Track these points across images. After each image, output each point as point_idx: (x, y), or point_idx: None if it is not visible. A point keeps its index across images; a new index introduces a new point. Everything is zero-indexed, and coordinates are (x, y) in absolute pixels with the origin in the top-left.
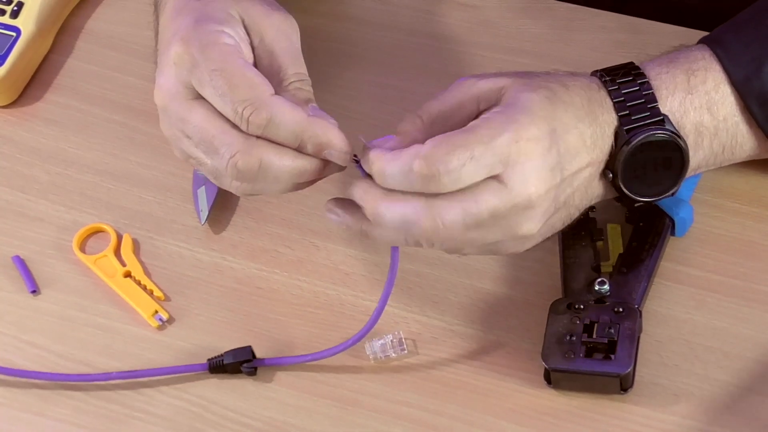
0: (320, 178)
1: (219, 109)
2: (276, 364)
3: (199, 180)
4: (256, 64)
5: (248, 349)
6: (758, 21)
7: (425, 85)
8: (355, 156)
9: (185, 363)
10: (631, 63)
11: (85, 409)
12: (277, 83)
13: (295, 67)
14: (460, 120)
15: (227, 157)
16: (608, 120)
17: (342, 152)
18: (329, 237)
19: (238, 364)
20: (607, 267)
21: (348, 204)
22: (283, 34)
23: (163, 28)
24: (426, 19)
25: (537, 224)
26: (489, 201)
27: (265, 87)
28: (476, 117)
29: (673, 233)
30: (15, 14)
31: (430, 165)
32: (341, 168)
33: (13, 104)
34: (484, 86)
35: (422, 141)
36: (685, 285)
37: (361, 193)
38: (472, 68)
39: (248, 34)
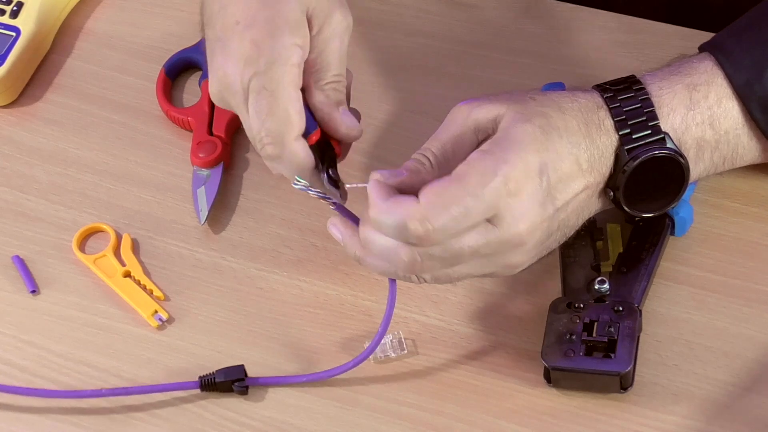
0: None
1: (248, 123)
2: (270, 384)
3: (199, 180)
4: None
5: (240, 368)
6: (758, 26)
7: (425, 85)
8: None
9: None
10: (633, 77)
11: (86, 409)
12: (317, 78)
13: (337, 68)
14: (463, 154)
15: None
16: (607, 141)
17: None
18: (329, 237)
19: (229, 382)
20: (606, 266)
21: (349, 223)
22: (337, 35)
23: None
24: (426, 19)
25: (528, 256)
26: (473, 241)
27: (295, 129)
28: (477, 146)
29: (672, 233)
30: (15, 14)
31: (425, 226)
32: None
33: (12, 104)
34: (480, 116)
35: (433, 179)
36: (685, 284)
37: (340, 234)
38: (472, 68)
39: (309, 25)
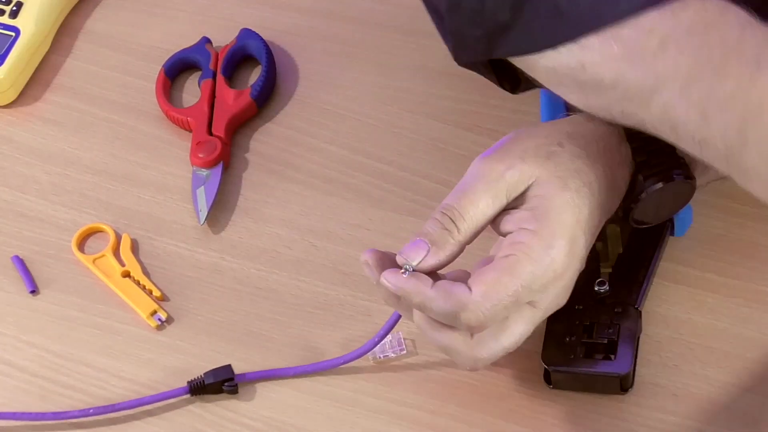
0: None
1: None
2: (258, 379)
3: (198, 180)
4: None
5: (228, 368)
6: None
7: (425, 85)
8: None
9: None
10: None
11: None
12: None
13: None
14: (490, 217)
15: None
16: (624, 173)
17: None
18: (328, 237)
19: (219, 383)
20: (606, 267)
21: (386, 263)
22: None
23: None
24: (425, 19)
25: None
26: (521, 329)
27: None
28: (505, 209)
29: (672, 233)
30: (14, 14)
31: (477, 316)
32: None
33: (12, 104)
34: (514, 178)
35: (458, 252)
36: (685, 285)
37: (411, 315)
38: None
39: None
